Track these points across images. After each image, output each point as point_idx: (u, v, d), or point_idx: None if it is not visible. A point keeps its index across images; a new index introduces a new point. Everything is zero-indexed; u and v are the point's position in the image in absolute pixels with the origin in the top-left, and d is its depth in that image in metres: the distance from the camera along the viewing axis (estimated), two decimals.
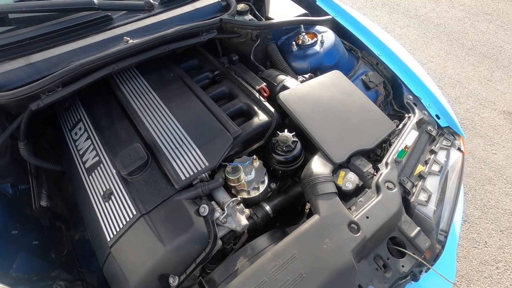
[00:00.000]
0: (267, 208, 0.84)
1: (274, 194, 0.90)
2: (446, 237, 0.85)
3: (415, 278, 0.81)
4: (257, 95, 0.97)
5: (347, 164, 0.85)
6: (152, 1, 1.03)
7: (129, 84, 0.97)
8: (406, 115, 1.04)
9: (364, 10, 3.32)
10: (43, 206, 0.91)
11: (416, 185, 0.88)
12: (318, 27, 1.21)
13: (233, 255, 0.75)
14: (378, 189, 0.81)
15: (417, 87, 1.11)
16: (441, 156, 0.94)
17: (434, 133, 0.99)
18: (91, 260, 0.99)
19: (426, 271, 0.84)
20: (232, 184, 0.79)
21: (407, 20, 3.16)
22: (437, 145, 0.96)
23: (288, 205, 0.89)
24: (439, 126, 1.03)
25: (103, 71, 0.88)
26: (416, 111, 1.03)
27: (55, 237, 0.94)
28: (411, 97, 1.09)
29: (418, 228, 0.80)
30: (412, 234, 0.79)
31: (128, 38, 0.94)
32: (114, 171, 0.78)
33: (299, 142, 0.87)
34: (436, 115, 1.05)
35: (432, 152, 0.95)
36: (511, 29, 3.02)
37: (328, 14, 1.28)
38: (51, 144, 1.11)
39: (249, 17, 1.18)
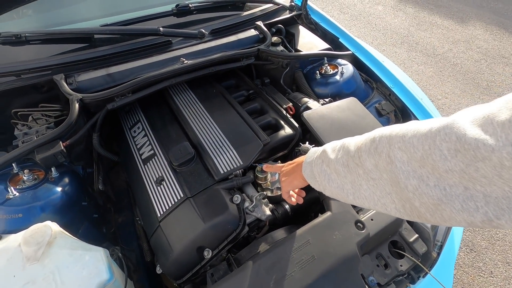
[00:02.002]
0: (287, 206, 0.99)
1: None
2: (441, 247, 0.96)
3: (413, 280, 0.92)
4: (284, 112, 1.15)
5: None
6: (203, 31, 1.27)
7: (180, 95, 1.19)
8: None
9: (384, 46, 3.55)
10: (100, 189, 1.10)
11: None
12: (340, 60, 1.41)
13: (256, 241, 0.90)
14: None
15: (424, 117, 1.26)
16: None
17: None
18: (130, 242, 1.15)
19: (423, 277, 0.95)
20: (260, 182, 0.96)
21: (424, 58, 3.35)
22: None
23: (304, 207, 1.04)
24: None
25: (163, 84, 1.10)
26: None
27: (106, 216, 1.13)
28: None
29: (417, 235, 0.93)
30: (411, 239, 0.91)
31: (184, 59, 1.16)
32: (166, 162, 0.97)
33: None
34: None
35: None
36: None
37: (349, 50, 1.48)
38: (105, 139, 1.33)
39: (280, 48, 1.40)
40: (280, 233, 0.92)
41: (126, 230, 1.18)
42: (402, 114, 1.32)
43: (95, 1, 1.28)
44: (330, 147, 0.60)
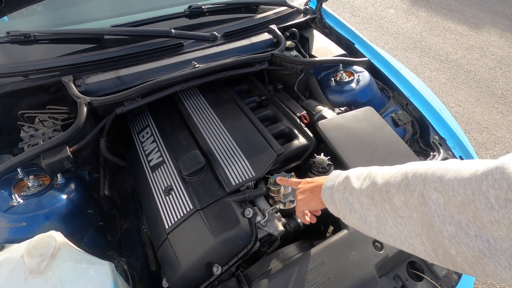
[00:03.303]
0: (299, 220, 0.95)
1: None
2: None
3: None
4: (298, 121, 1.11)
5: None
6: (216, 34, 1.23)
7: (191, 100, 1.15)
8: (432, 153, 1.14)
9: (395, 51, 3.48)
10: (106, 194, 1.07)
11: None
12: (355, 67, 1.36)
13: (267, 257, 0.86)
14: None
15: (443, 129, 1.21)
16: None
17: None
18: (135, 249, 1.12)
19: None
20: (272, 195, 0.92)
21: (437, 64, 3.27)
22: None
23: (316, 221, 1.00)
24: None
25: (174, 88, 1.06)
26: (441, 150, 1.13)
27: (111, 223, 1.09)
28: (437, 137, 1.18)
29: None
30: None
31: (195, 63, 1.13)
32: (175, 171, 0.93)
33: (333, 165, 0.99)
34: (460, 157, 1.13)
35: None
36: None
37: (365, 56, 1.43)
38: (112, 142, 1.30)
39: (294, 53, 1.36)
40: (292, 249, 0.88)
41: (132, 237, 1.15)
42: (420, 125, 1.27)
43: (105, 1, 1.25)
44: (355, 174, 0.56)
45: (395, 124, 1.27)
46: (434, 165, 0.42)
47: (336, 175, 0.62)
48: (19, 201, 0.79)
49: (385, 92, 1.38)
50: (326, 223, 1.07)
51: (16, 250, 0.73)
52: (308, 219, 0.78)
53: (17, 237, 0.76)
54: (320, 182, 0.67)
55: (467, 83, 3.03)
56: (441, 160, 1.08)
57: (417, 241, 0.43)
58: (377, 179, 0.50)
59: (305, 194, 0.72)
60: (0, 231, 0.77)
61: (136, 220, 1.19)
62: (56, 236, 0.74)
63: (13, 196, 0.79)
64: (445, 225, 0.38)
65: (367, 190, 0.51)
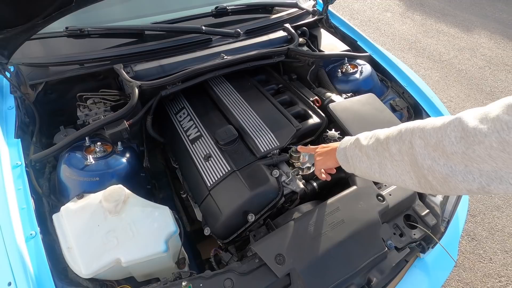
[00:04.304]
0: (314, 184, 1.14)
1: None
2: (448, 222, 1.11)
3: (423, 249, 1.07)
4: (312, 104, 1.31)
5: None
6: (239, 31, 1.43)
7: (220, 87, 1.35)
8: None
9: (392, 51, 3.71)
10: (148, 166, 1.26)
11: None
12: (358, 61, 1.56)
13: (289, 211, 1.05)
14: None
15: (434, 113, 1.42)
16: None
17: None
18: None
19: (432, 247, 1.09)
20: (293, 161, 1.11)
21: (431, 64, 3.51)
22: None
23: (328, 187, 1.19)
24: None
25: (208, 75, 1.26)
26: None
27: (152, 191, 1.28)
28: None
29: (428, 210, 1.07)
30: (423, 214, 1.06)
31: (224, 55, 1.32)
32: (212, 142, 1.12)
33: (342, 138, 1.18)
34: None
35: None
36: None
37: (366, 52, 1.64)
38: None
39: (305, 48, 1.56)
40: (309, 205, 1.07)
41: (167, 205, 1.33)
42: (414, 110, 1.47)
43: (145, 2, 1.44)
44: (363, 136, 0.75)
45: (393, 109, 1.47)
46: (419, 122, 0.61)
47: (348, 139, 0.82)
48: (92, 162, 0.98)
49: (384, 82, 1.58)
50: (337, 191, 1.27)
51: (94, 197, 0.91)
52: (324, 176, 0.97)
53: (92, 189, 0.95)
54: (334, 146, 0.87)
55: (459, 80, 3.26)
56: None
57: (407, 177, 0.62)
58: (380, 136, 0.69)
59: (322, 155, 0.91)
60: (79, 184, 0.95)
61: (169, 192, 1.38)
62: (124, 188, 0.93)
63: (88, 157, 0.97)
64: (425, 160, 0.56)
65: (372, 145, 0.70)
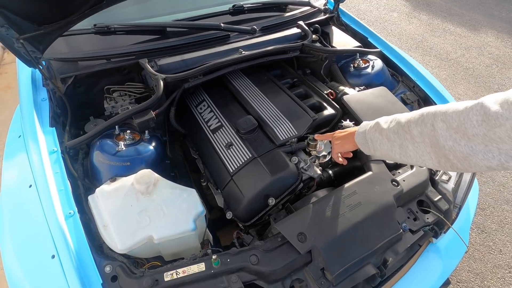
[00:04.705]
0: (330, 172, 1.19)
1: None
2: (460, 208, 1.15)
3: (436, 234, 1.11)
4: (326, 96, 1.36)
5: None
6: (255, 28, 1.49)
7: (238, 81, 1.41)
8: None
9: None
10: (170, 156, 1.32)
11: None
12: (370, 56, 1.62)
13: (307, 196, 1.10)
14: (411, 166, 1.15)
15: None
16: None
17: None
18: None
19: (445, 232, 1.14)
20: (310, 149, 1.16)
21: (438, 62, 3.54)
22: None
23: (343, 175, 1.24)
24: None
25: (227, 69, 1.32)
26: None
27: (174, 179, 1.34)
28: None
29: (440, 196, 1.12)
30: (435, 199, 1.11)
31: (242, 50, 1.39)
32: (233, 131, 1.18)
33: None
34: None
35: None
36: None
37: (377, 48, 1.69)
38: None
39: (318, 45, 1.62)
40: (324, 192, 1.12)
41: None
42: (425, 103, 1.52)
43: (167, 0, 1.52)
44: (383, 120, 0.80)
45: (404, 102, 1.52)
46: (440, 106, 0.66)
47: (366, 123, 0.87)
48: (123, 148, 1.05)
49: (395, 77, 1.63)
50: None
51: (126, 180, 0.98)
52: (341, 160, 1.02)
53: (123, 173, 1.01)
54: (352, 130, 0.92)
55: (466, 78, 3.29)
56: None
57: (428, 157, 0.67)
58: (401, 120, 0.74)
59: (340, 140, 0.97)
60: (111, 168, 1.02)
61: (189, 181, 1.44)
62: (153, 172, 0.99)
63: (119, 144, 1.04)
64: (446, 141, 0.61)
65: (393, 128, 0.75)
